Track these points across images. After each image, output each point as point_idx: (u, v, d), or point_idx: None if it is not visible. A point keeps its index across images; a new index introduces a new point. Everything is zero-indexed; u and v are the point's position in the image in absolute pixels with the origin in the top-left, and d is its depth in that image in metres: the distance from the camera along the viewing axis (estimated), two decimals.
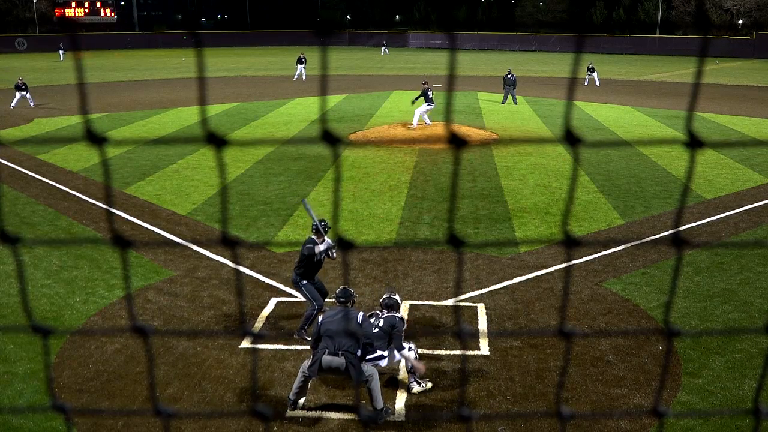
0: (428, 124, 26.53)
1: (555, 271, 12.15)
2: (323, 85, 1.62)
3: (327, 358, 7.71)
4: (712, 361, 8.95)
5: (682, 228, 14.33)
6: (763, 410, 2.10)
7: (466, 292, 11.21)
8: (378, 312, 8.67)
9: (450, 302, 10.86)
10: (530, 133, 26.29)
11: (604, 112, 32.07)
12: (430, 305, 10.73)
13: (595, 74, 43.33)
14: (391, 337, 8.30)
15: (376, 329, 8.31)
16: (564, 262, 12.40)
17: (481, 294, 11.16)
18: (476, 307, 10.68)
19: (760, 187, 17.99)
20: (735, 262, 12.51)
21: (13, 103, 32.31)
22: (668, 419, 7.65)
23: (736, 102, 36.40)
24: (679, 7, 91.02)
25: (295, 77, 46.35)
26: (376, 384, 7.81)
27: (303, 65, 45.90)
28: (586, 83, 42.91)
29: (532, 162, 20.73)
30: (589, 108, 33.06)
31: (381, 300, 8.75)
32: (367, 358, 8.28)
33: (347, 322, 7.76)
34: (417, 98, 26.75)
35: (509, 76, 34.46)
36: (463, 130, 25.98)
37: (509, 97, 34.72)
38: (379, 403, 7.75)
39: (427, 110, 26.32)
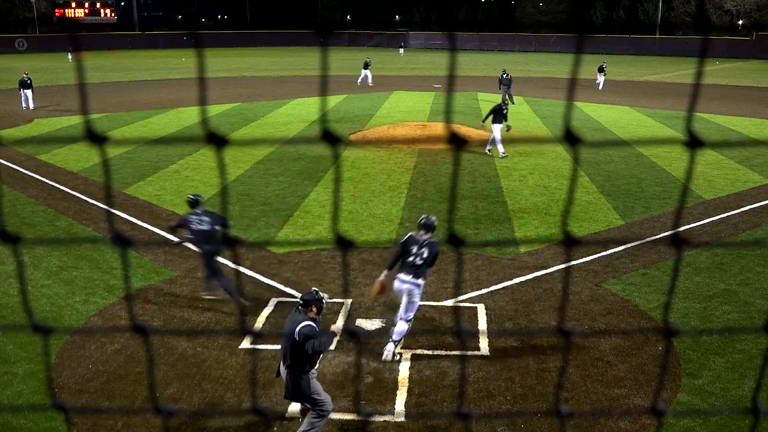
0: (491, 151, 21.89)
1: (555, 271, 12.15)
2: (323, 86, 1.63)
3: (281, 367, 7.27)
4: (712, 362, 8.95)
5: (682, 228, 14.33)
6: (761, 409, 2.10)
7: (466, 293, 11.21)
8: (416, 236, 9.13)
9: (450, 302, 10.86)
10: (530, 134, 26.31)
11: (604, 112, 32.08)
12: (430, 305, 10.73)
13: (602, 76, 41.76)
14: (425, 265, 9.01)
15: (418, 258, 9.01)
16: (564, 263, 12.40)
17: (481, 294, 11.16)
18: (476, 307, 10.68)
19: (760, 188, 18.00)
20: (735, 263, 12.51)
21: (23, 104, 31.43)
22: (668, 419, 7.66)
23: (736, 102, 36.41)
24: (679, 7, 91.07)
25: (360, 81, 44.45)
26: (319, 423, 7.21)
27: (368, 69, 44.69)
28: (600, 87, 41.18)
29: (531, 162, 20.73)
30: (588, 108, 33.07)
31: (419, 221, 9.25)
32: (405, 279, 8.98)
33: (291, 329, 7.00)
34: (499, 116, 21.37)
35: (505, 76, 34.58)
36: (463, 130, 25.98)
37: (506, 96, 34.82)
38: None
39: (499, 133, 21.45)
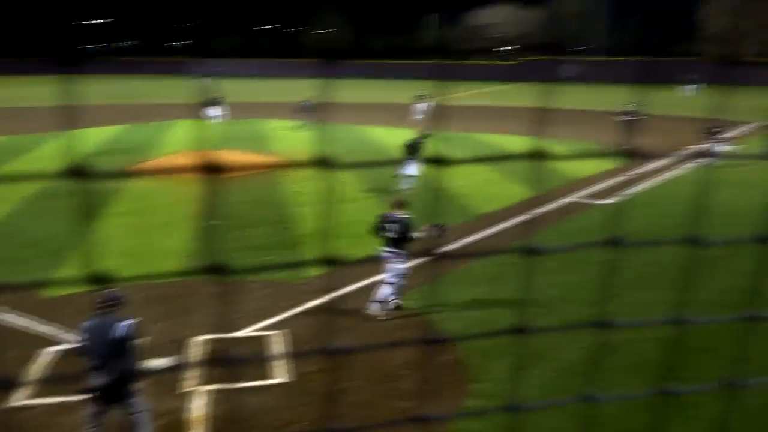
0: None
1: (348, 292, 12.47)
2: (80, 116, 1.60)
3: (96, 378, 6.93)
4: (493, 366, 9.65)
5: (460, 244, 15.31)
6: (524, 406, 2.35)
7: (260, 321, 11.16)
8: (389, 214, 11.36)
9: (245, 332, 10.76)
10: (317, 158, 26.78)
11: (385, 134, 33.52)
12: (224, 337, 10.56)
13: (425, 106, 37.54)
14: (404, 236, 11.14)
15: (393, 233, 11.20)
16: (355, 283, 12.78)
17: (276, 321, 11.18)
18: (272, 334, 10.67)
19: (527, 201, 19.68)
20: (510, 271, 13.61)
21: None
22: (456, 425, 8.14)
23: (503, 121, 39.65)
24: (450, 33, 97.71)
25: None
26: (143, 419, 7.33)
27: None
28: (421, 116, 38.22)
29: (320, 187, 21.12)
30: (375, 132, 34.40)
31: (391, 201, 11.77)
32: (385, 249, 11.29)
33: (107, 332, 6.86)
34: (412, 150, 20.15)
35: (306, 103, 35.06)
36: (245, 157, 25.95)
37: (303, 122, 35.39)
38: None
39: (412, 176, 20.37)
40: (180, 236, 15.85)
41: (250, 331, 10.83)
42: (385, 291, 11.50)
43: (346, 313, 11.58)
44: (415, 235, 11.40)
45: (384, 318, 11.35)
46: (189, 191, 20.43)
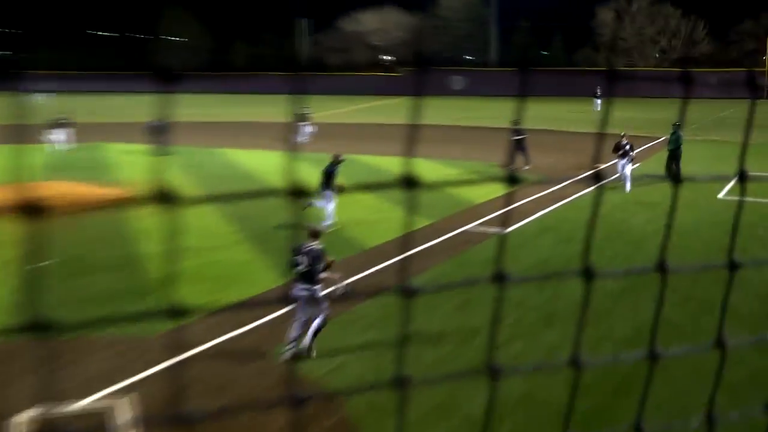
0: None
1: (212, 346, 12.08)
2: None
3: None
4: (387, 423, 9.54)
5: (344, 283, 15.21)
6: None
7: (106, 386, 10.63)
8: (302, 246, 11.48)
9: (86, 401, 10.20)
10: (170, 188, 26.14)
11: (253, 159, 33.25)
12: (60, 410, 9.94)
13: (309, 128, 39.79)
14: (315, 268, 11.26)
15: (303, 266, 11.27)
16: (222, 335, 12.42)
17: (126, 385, 10.69)
18: (119, 401, 10.19)
19: (421, 230, 19.81)
20: (401, 312, 13.59)
21: None
22: None
23: (387, 142, 40.14)
24: (324, 42, 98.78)
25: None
26: None
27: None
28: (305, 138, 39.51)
29: (175, 221, 20.51)
30: (237, 155, 34.02)
31: (307, 228, 12.16)
32: (300, 287, 11.26)
33: None
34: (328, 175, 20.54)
35: (157, 123, 34.04)
36: (80, 189, 24.84)
37: (154, 145, 34.61)
38: None
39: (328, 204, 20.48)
40: (2, 286, 14.94)
41: (92, 400, 10.27)
42: (315, 326, 11.58)
43: (214, 369, 11.18)
44: (323, 274, 11.58)
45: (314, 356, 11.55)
46: (11, 230, 19.34)
